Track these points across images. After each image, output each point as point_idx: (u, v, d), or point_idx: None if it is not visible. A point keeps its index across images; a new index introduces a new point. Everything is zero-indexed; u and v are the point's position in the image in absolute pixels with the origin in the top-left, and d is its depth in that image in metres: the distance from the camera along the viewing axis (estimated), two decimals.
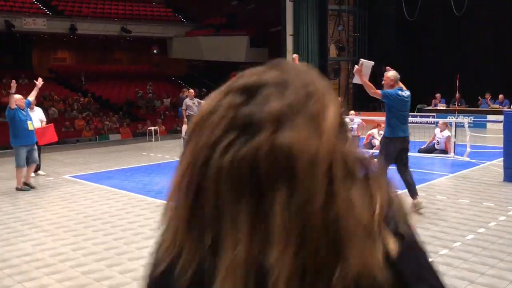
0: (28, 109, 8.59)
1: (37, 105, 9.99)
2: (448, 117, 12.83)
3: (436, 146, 11.03)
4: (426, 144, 11.32)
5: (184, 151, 0.61)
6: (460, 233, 5.18)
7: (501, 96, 17.39)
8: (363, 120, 13.28)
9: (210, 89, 23.24)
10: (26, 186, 8.29)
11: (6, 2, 22.57)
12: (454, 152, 10.70)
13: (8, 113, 8.21)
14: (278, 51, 21.94)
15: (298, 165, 0.52)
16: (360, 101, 19.93)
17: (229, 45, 24.43)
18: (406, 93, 6.07)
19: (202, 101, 13.67)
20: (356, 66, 6.25)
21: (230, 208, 0.53)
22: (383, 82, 6.20)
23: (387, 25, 22.54)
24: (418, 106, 19.05)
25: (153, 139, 16.90)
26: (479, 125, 14.72)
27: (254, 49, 24.50)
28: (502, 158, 8.28)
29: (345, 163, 0.55)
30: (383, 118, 6.58)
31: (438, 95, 18.80)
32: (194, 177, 0.57)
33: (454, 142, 10.82)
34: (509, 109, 15.17)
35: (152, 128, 17.42)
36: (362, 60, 6.37)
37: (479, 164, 9.62)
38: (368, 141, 11.60)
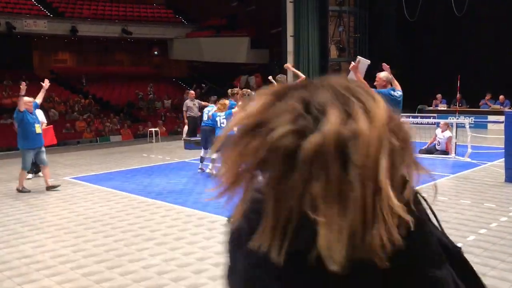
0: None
1: None
2: (449, 117, 12.80)
3: (437, 147, 11.01)
4: (427, 145, 11.30)
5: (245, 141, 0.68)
6: (461, 234, 5.17)
7: (501, 97, 17.36)
8: None
9: (210, 89, 23.26)
10: (26, 188, 8.28)
11: (7, 4, 22.63)
12: (455, 153, 10.69)
13: (17, 116, 8.21)
14: (279, 52, 21.96)
15: (360, 147, 0.63)
16: None
17: (229, 46, 24.43)
18: (398, 93, 6.22)
19: (202, 103, 13.67)
20: (352, 63, 6.39)
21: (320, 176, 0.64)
22: (375, 83, 6.38)
23: (387, 25, 22.55)
24: (419, 106, 19.05)
25: (153, 141, 16.91)
26: (480, 126, 14.71)
27: (254, 50, 24.52)
28: (503, 159, 8.27)
29: (391, 148, 0.66)
30: None
31: (439, 95, 18.77)
32: (280, 158, 0.66)
33: (455, 142, 10.81)
34: (510, 110, 15.15)
35: (153, 129, 17.42)
36: (359, 57, 6.54)
37: (480, 165, 9.60)
38: None
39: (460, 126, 11.48)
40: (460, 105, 16.62)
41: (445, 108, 18.13)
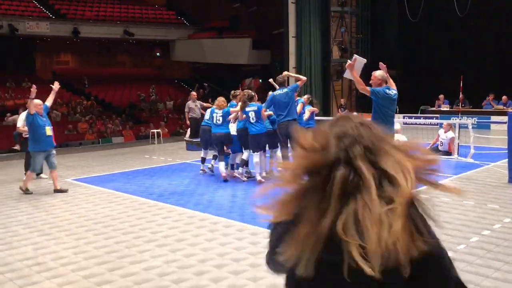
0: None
1: None
2: (452, 118, 12.76)
3: (439, 148, 10.97)
4: (430, 145, 11.26)
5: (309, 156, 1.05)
6: (464, 235, 5.13)
7: (504, 97, 17.29)
8: None
9: (211, 90, 23.27)
10: (29, 190, 8.27)
11: (9, 6, 22.68)
12: (457, 154, 10.64)
13: (27, 118, 8.22)
14: (281, 53, 21.95)
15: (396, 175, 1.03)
16: (363, 102, 19.88)
17: (231, 47, 24.45)
18: (393, 91, 6.29)
19: (204, 104, 13.65)
20: (349, 61, 6.48)
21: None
22: (370, 81, 6.45)
23: (389, 26, 22.52)
24: (421, 107, 19.01)
25: (155, 142, 16.91)
26: (483, 126, 14.67)
27: (256, 51, 24.53)
28: (507, 159, 8.22)
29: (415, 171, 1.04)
30: None
31: (441, 96, 18.71)
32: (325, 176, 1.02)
33: (458, 143, 10.76)
34: None
35: (155, 130, 17.43)
36: (355, 56, 6.62)
37: (483, 166, 9.55)
38: None
39: (463, 126, 11.43)
40: (463, 105, 16.58)
41: (448, 109, 18.07)
